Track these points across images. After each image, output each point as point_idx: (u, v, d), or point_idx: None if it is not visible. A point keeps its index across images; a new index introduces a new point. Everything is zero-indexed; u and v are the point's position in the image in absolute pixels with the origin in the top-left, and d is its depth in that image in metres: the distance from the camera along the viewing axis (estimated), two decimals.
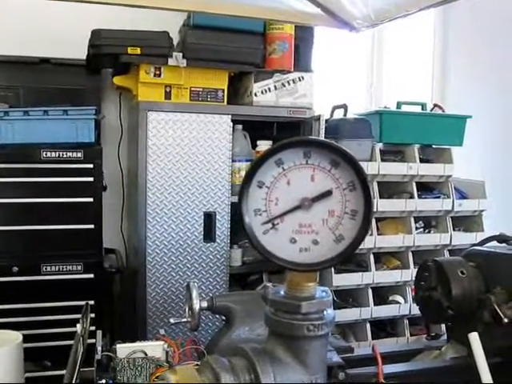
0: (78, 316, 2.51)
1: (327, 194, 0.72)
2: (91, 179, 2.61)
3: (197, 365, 1.13)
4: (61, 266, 2.59)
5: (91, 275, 2.62)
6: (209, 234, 2.77)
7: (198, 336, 2.26)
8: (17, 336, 1.73)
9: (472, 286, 1.42)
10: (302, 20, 2.13)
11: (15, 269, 2.54)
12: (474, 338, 1.29)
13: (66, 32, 2.95)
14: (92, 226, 2.62)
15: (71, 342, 2.54)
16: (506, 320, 1.33)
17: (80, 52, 2.81)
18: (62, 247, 2.59)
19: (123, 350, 1.28)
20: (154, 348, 1.29)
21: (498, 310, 1.35)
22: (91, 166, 2.60)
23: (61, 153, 2.55)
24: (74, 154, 2.57)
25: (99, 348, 1.29)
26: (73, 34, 2.91)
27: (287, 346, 0.72)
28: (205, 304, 1.30)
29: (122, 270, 2.84)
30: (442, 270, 1.46)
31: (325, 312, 0.76)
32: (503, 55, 3.96)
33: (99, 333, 1.34)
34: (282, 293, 0.77)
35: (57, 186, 2.56)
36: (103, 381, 1.24)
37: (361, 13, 1.94)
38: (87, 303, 1.40)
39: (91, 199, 2.61)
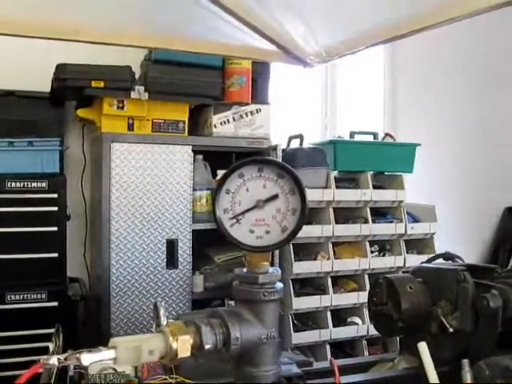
0: (43, 344, 2.53)
1: (275, 197, 0.99)
2: (55, 209, 2.66)
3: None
4: (25, 295, 2.61)
5: (55, 303, 2.65)
6: (171, 260, 2.83)
7: None
8: None
9: (420, 299, 1.53)
10: (259, 56, 2.25)
11: None
12: (423, 347, 1.40)
13: (29, 65, 3.01)
14: (56, 255, 2.67)
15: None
16: (451, 330, 1.44)
17: (42, 84, 2.87)
18: (27, 276, 2.62)
19: (94, 366, 1.35)
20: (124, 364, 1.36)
21: (444, 321, 1.46)
22: (55, 195, 2.66)
23: (25, 183, 2.60)
24: (39, 184, 2.62)
25: (71, 366, 1.35)
26: (35, 66, 2.98)
27: (249, 308, 0.97)
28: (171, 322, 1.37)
29: (86, 297, 2.87)
30: (392, 285, 1.57)
31: (276, 284, 1.01)
32: (450, 87, 4.19)
33: (70, 352, 1.39)
34: (245, 270, 1.03)
35: (22, 216, 2.60)
36: None
37: (313, 49, 2.07)
38: (58, 325, 1.46)
39: (55, 228, 2.66)
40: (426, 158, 3.64)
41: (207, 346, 0.91)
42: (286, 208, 0.99)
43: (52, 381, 1.25)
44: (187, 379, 1.34)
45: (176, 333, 0.90)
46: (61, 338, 1.37)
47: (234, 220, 0.98)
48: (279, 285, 1.00)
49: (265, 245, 0.99)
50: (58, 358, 0.85)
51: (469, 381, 1.31)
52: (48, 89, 2.89)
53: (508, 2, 1.18)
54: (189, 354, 0.90)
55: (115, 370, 1.34)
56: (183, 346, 0.89)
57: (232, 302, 1.19)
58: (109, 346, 0.88)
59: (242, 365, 0.99)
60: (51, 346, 1.35)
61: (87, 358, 0.85)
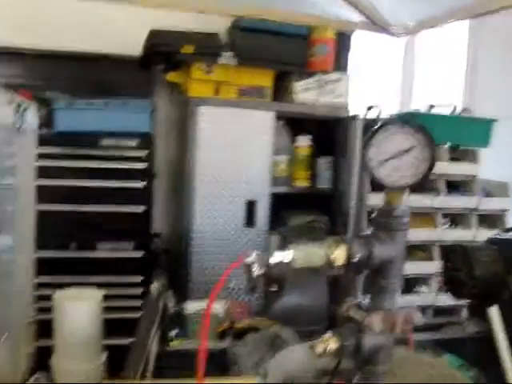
0: (129, 291, 2.73)
1: (411, 148, 1.19)
2: (144, 165, 2.83)
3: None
4: (113, 245, 2.82)
5: (140, 254, 2.85)
6: (250, 219, 2.98)
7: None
8: (98, 293, 1.84)
9: (493, 267, 1.61)
10: (347, 27, 2.33)
11: (73, 245, 2.79)
12: (494, 312, 1.48)
13: (121, 31, 3.17)
14: (143, 209, 2.85)
15: (121, 315, 2.76)
16: None
17: (131, 49, 3.04)
18: (116, 227, 2.82)
19: (192, 306, 1.51)
20: (218, 307, 1.51)
21: None
22: (145, 153, 2.83)
23: (117, 141, 2.78)
24: (130, 143, 2.80)
25: (171, 304, 1.51)
26: (127, 32, 3.14)
27: (386, 233, 1.20)
28: (262, 271, 1.51)
29: (168, 250, 3.05)
30: (466, 253, 1.65)
31: (405, 217, 1.22)
32: None
33: (170, 292, 1.55)
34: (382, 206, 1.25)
35: (112, 171, 2.79)
36: (173, 332, 1.47)
37: (400, 22, 2.14)
38: (157, 269, 1.62)
39: (143, 184, 2.84)
40: (505, 134, 3.61)
41: (355, 259, 1.14)
42: (418, 157, 1.19)
43: (159, 315, 1.40)
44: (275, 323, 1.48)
45: (335, 245, 1.13)
46: (163, 278, 1.52)
47: (380, 165, 1.20)
48: (407, 217, 1.22)
49: (400, 185, 1.20)
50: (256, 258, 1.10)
51: None
52: (136, 53, 3.03)
53: None
54: (342, 262, 1.12)
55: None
56: (340, 255, 1.12)
57: None
58: (287, 251, 1.10)
59: (376, 277, 1.20)
60: (154, 286, 1.51)
61: (274, 259, 1.10)
